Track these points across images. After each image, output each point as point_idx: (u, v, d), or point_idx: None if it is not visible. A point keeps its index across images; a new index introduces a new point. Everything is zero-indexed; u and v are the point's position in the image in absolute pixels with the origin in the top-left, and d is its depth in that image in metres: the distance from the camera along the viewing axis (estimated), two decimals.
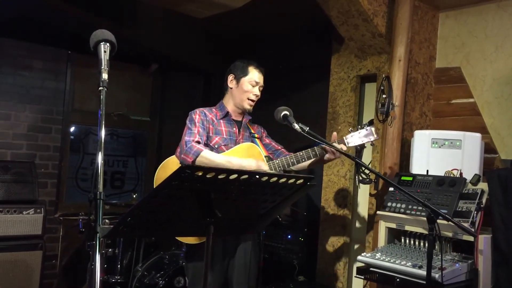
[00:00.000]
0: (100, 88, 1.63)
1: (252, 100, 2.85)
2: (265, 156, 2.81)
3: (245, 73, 2.83)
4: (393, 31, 3.50)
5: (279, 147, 3.01)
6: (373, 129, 2.81)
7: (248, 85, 2.82)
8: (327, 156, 2.74)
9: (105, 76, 1.64)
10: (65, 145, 4.89)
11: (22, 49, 4.60)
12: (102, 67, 1.65)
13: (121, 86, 5.25)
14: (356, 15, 3.47)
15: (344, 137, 2.79)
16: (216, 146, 2.76)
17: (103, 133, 1.58)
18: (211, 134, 2.78)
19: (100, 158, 1.54)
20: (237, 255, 2.77)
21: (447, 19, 3.88)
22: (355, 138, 2.79)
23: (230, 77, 2.87)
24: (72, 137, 5.01)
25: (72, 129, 5.00)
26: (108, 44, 1.70)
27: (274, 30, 4.48)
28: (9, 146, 4.51)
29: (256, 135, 2.95)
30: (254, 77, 2.82)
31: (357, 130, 2.81)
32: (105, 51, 1.68)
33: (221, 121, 2.84)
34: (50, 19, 4.28)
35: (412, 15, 3.52)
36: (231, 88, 2.88)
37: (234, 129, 2.86)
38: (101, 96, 1.62)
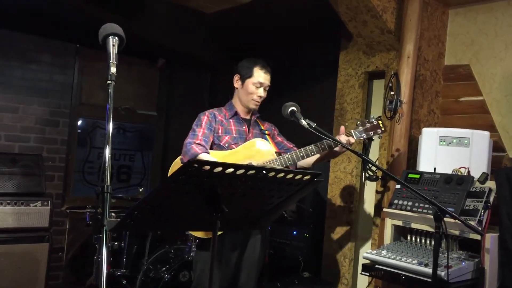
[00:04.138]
0: (108, 81, 1.63)
1: (257, 101, 2.88)
2: (275, 152, 2.84)
3: (249, 75, 2.85)
4: (402, 28, 3.48)
5: (291, 145, 3.04)
6: (380, 122, 2.88)
7: (253, 87, 2.85)
8: (336, 148, 2.78)
9: (113, 69, 1.64)
10: (73, 138, 4.91)
11: (31, 43, 4.61)
12: (111, 61, 1.66)
13: (128, 80, 5.25)
14: (364, 11, 3.45)
15: (352, 131, 2.85)
16: (226, 145, 2.82)
17: (111, 126, 1.59)
18: (220, 134, 2.83)
19: (107, 151, 1.55)
20: (247, 251, 2.79)
21: (457, 16, 3.85)
22: (362, 132, 2.85)
23: (236, 77, 2.91)
24: (79, 130, 5.03)
25: (79, 122, 5.02)
26: (116, 38, 1.70)
27: (282, 26, 4.46)
28: (17, 139, 4.53)
29: (266, 132, 2.99)
30: (258, 78, 2.84)
31: (365, 124, 2.87)
32: (113, 45, 1.69)
33: (231, 120, 2.89)
34: (58, 13, 4.28)
35: (422, 12, 3.49)
36: (237, 88, 2.92)
37: (244, 127, 2.91)
38: (109, 90, 1.62)
